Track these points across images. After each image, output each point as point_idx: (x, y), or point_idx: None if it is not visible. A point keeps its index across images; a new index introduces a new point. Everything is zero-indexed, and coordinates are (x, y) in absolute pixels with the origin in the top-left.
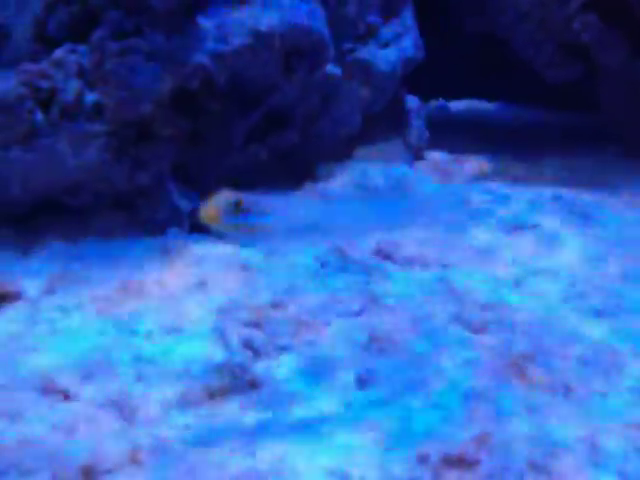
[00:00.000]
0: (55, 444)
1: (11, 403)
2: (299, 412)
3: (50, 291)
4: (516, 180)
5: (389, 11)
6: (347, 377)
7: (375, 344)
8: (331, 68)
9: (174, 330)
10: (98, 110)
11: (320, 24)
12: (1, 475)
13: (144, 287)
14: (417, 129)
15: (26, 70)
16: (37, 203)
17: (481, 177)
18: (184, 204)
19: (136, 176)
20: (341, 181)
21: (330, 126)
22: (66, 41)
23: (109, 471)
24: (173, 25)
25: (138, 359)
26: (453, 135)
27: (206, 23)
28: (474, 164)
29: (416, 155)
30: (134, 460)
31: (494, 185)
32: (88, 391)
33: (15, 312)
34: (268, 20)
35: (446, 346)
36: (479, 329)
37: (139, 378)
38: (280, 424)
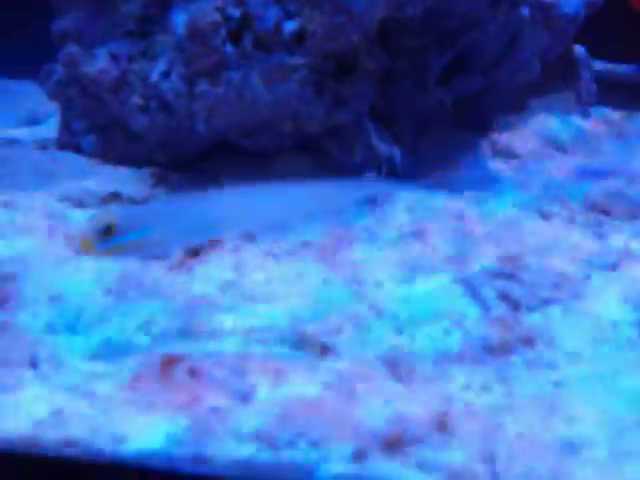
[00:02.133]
0: (336, 408)
1: (268, 359)
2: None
3: (249, 238)
4: None
5: None
6: None
7: None
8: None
9: (405, 280)
10: (299, 39)
11: None
12: (291, 445)
13: (352, 234)
14: (586, 81)
15: None
16: (212, 145)
17: None
18: (382, 147)
19: (335, 114)
20: (523, 134)
21: (511, 72)
22: None
23: (419, 440)
24: None
25: (381, 312)
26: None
27: None
28: None
29: (584, 110)
30: (443, 427)
31: None
32: (345, 345)
33: (220, 260)
34: None
35: None
36: None
37: (398, 330)
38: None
